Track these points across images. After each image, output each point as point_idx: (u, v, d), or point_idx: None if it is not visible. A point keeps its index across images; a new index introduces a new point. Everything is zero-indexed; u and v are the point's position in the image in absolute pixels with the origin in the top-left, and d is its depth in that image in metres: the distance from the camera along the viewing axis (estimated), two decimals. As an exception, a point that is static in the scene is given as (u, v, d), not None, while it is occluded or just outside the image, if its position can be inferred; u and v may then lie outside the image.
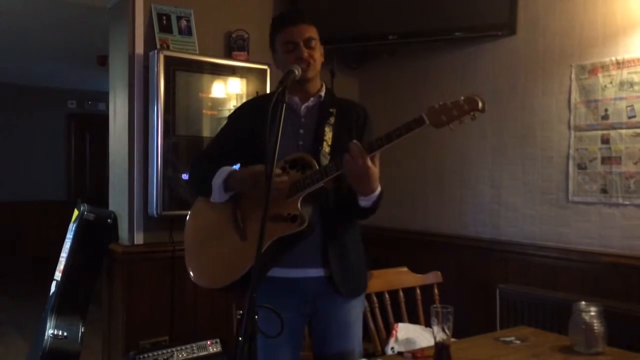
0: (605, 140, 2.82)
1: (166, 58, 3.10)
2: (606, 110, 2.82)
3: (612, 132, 2.80)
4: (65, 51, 5.64)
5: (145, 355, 2.90)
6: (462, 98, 1.59)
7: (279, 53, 1.93)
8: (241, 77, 3.36)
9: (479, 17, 3.29)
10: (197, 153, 2.19)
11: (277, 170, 1.69)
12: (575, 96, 2.95)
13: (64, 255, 3.24)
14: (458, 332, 1.79)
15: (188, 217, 2.02)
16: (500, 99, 3.29)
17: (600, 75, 2.85)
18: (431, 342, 1.74)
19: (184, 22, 3.29)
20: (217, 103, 3.31)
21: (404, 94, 3.86)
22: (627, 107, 2.75)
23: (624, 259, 2.73)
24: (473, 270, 3.38)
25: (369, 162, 1.66)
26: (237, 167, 2.00)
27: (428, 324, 2.15)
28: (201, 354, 3.05)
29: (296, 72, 1.77)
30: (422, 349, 1.91)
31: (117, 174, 3.36)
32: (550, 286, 2.98)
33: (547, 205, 3.07)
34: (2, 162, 7.28)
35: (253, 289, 1.38)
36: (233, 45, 3.45)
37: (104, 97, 5.55)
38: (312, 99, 1.95)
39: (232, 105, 3.34)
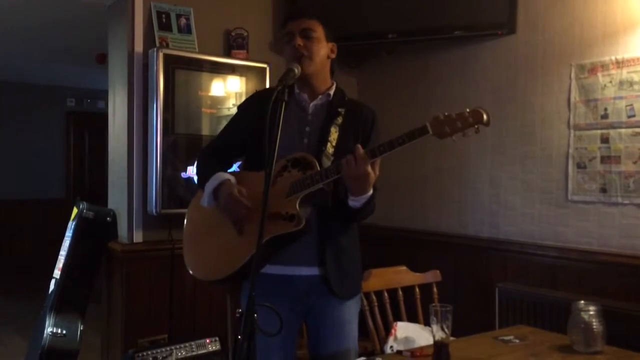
0: (605, 140, 2.82)
1: (165, 56, 3.10)
2: (606, 109, 2.82)
3: (612, 132, 2.80)
4: (64, 49, 5.63)
5: (144, 354, 2.90)
6: (468, 110, 1.60)
7: (283, 48, 1.94)
8: (240, 75, 3.36)
9: (478, 16, 3.28)
10: (206, 144, 2.20)
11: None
12: (574, 95, 2.95)
13: (63, 253, 3.24)
14: (457, 331, 1.79)
15: (189, 208, 2.05)
16: (500, 97, 3.29)
17: (599, 74, 2.85)
18: (430, 341, 1.74)
19: (183, 20, 3.29)
20: (217, 101, 3.30)
21: (403, 92, 3.86)
22: (626, 106, 2.75)
23: (623, 258, 2.73)
24: (472, 269, 3.38)
25: (369, 168, 1.68)
26: (236, 167, 2.02)
27: (427, 323, 2.15)
28: (200, 352, 3.05)
29: (295, 70, 1.78)
30: (421, 348, 1.91)
31: (116, 172, 3.36)
32: (549, 285, 2.98)
33: (546, 204, 3.07)
34: (1, 160, 7.27)
35: (252, 288, 1.38)
36: (232, 44, 3.45)
37: (103, 95, 5.54)
38: (320, 97, 1.95)
39: (231, 103, 3.34)
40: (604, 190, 2.83)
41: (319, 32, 1.90)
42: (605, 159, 2.82)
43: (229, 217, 1.83)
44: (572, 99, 2.96)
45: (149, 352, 2.92)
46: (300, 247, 1.81)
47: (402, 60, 3.86)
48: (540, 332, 2.15)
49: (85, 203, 3.28)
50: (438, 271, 2.80)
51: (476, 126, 1.60)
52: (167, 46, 3.18)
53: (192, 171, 3.18)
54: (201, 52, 3.29)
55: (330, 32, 1.95)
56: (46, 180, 7.59)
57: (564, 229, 2.99)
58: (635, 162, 2.72)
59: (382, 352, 2.48)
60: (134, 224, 3.18)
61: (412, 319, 2.69)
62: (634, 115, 2.72)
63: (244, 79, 3.37)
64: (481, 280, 3.30)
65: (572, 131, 2.96)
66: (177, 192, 3.14)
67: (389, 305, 2.65)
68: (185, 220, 2.05)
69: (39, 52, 5.85)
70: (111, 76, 3.46)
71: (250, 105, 2.05)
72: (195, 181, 2.10)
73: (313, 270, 1.88)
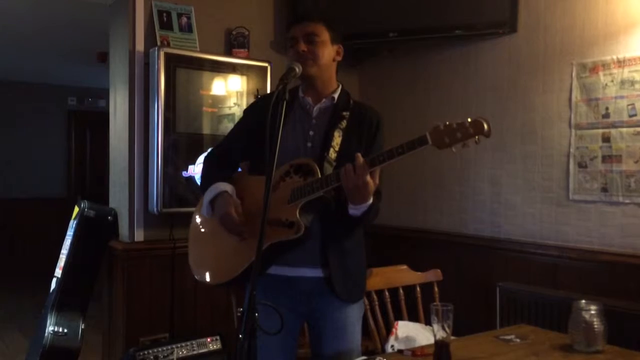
0: (606, 139, 2.82)
1: (166, 55, 3.10)
2: (607, 108, 2.82)
3: (613, 131, 2.79)
4: (65, 48, 5.63)
5: (145, 352, 2.91)
6: (469, 120, 1.58)
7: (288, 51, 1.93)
8: (241, 74, 3.36)
9: (479, 15, 3.28)
10: (213, 147, 2.21)
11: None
12: (576, 94, 2.95)
13: (64, 252, 3.24)
14: (458, 330, 1.79)
15: (194, 212, 2.06)
16: (501, 97, 3.29)
17: (601, 73, 2.84)
18: (431, 340, 1.74)
19: (184, 19, 3.29)
20: (218, 100, 3.31)
21: (403, 91, 3.86)
22: (628, 105, 2.75)
23: (624, 258, 2.73)
24: (473, 268, 3.38)
25: (368, 178, 1.66)
26: (240, 168, 2.03)
27: (428, 322, 2.15)
28: (201, 351, 3.05)
29: (296, 69, 1.77)
30: (422, 347, 1.91)
31: (118, 171, 3.36)
32: (550, 284, 2.98)
33: (547, 203, 3.07)
34: (2, 159, 7.28)
35: (253, 286, 1.38)
36: (233, 43, 3.45)
37: (104, 94, 5.54)
38: (324, 100, 1.93)
39: (232, 102, 3.34)
40: (605, 189, 2.83)
41: (324, 35, 1.88)
42: (606, 158, 2.82)
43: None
44: (574, 98, 2.95)
45: (150, 351, 2.92)
46: (303, 249, 1.81)
47: (403, 59, 3.86)
48: (541, 332, 2.15)
49: (86, 202, 3.28)
50: (439, 270, 2.80)
51: (477, 137, 1.57)
52: (168, 45, 3.18)
53: (193, 170, 3.18)
54: (202, 51, 3.29)
55: (336, 34, 1.92)
56: (47, 179, 7.60)
57: (565, 228, 2.98)
58: (636, 162, 2.72)
59: (383, 351, 2.48)
60: (135, 223, 3.18)
61: (413, 318, 2.69)
62: (635, 115, 2.72)
63: (245, 77, 3.37)
64: (482, 279, 3.30)
65: (573, 130, 2.96)
66: (178, 191, 3.14)
67: (390, 304, 2.65)
68: (191, 223, 2.06)
69: (40, 51, 5.85)
70: (112, 75, 3.47)
71: (255, 109, 2.05)
72: (199, 184, 2.12)
73: (316, 272, 1.88)
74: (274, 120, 1.52)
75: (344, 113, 1.91)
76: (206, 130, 3.25)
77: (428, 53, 3.69)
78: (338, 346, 1.92)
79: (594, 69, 2.87)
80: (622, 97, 2.76)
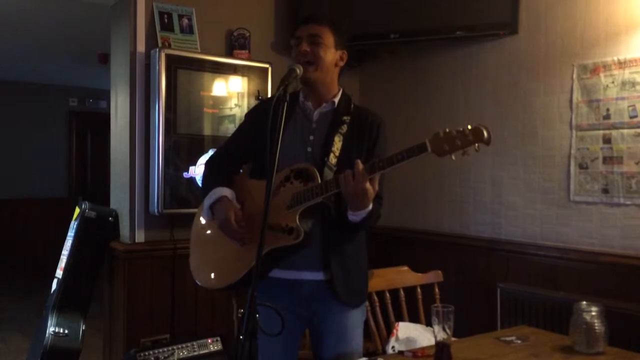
0: (607, 140, 2.82)
1: (168, 56, 3.10)
2: (608, 110, 2.82)
3: (614, 132, 2.79)
4: (66, 49, 5.64)
5: (146, 353, 2.91)
6: (469, 127, 1.57)
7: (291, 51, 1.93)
8: (242, 75, 3.36)
9: (480, 17, 3.28)
10: (215, 151, 2.21)
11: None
12: (577, 96, 2.95)
13: (65, 252, 3.24)
14: (459, 332, 1.79)
15: (196, 215, 2.06)
16: (502, 98, 3.29)
17: (602, 74, 2.84)
18: (432, 341, 1.74)
19: (185, 21, 3.29)
20: (219, 101, 3.31)
21: (404, 93, 3.86)
22: (628, 106, 2.75)
23: (624, 259, 2.73)
24: (474, 269, 3.38)
25: (367, 185, 1.66)
26: (241, 169, 2.03)
27: (429, 323, 2.15)
28: (202, 352, 3.05)
29: (297, 70, 1.76)
30: (423, 348, 1.91)
31: (118, 171, 3.36)
32: (551, 286, 2.98)
33: (548, 204, 3.07)
34: (3, 159, 7.28)
35: (254, 288, 1.38)
36: (234, 44, 3.45)
37: (105, 94, 5.55)
38: (325, 104, 1.92)
39: (233, 103, 3.34)
40: (605, 190, 2.83)
41: (328, 39, 1.87)
42: (607, 160, 2.82)
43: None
44: (574, 100, 2.95)
45: (151, 352, 2.92)
46: (305, 253, 1.81)
47: (403, 60, 3.86)
48: (541, 333, 2.15)
49: (87, 203, 3.28)
50: (440, 271, 2.80)
51: (476, 145, 1.57)
52: (169, 46, 3.18)
53: (194, 171, 3.18)
54: (203, 52, 3.29)
55: (341, 39, 1.91)
56: (48, 179, 7.61)
57: (566, 229, 2.98)
58: (637, 163, 2.72)
59: (384, 352, 2.48)
60: (136, 224, 3.18)
61: (414, 319, 2.69)
62: (636, 116, 2.72)
63: (245, 79, 3.37)
64: (483, 281, 3.30)
65: (574, 131, 2.96)
66: (179, 192, 3.14)
67: (391, 305, 2.65)
68: (192, 227, 2.06)
69: (42, 52, 5.86)
70: (113, 76, 3.47)
71: (256, 113, 2.05)
72: (201, 187, 2.12)
73: (318, 276, 1.88)
74: (275, 123, 1.51)
75: (345, 118, 1.90)
76: (207, 131, 3.25)
77: (429, 54, 3.69)
78: (339, 350, 1.92)
79: (595, 70, 2.87)
80: (623, 98, 2.76)
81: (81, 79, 7.28)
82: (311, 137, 1.90)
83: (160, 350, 2.95)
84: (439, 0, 3.40)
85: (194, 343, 3.05)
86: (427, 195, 3.72)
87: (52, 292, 3.24)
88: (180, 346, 3.00)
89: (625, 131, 2.75)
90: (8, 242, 7.16)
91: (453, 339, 1.70)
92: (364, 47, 3.66)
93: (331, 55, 1.88)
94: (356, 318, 1.97)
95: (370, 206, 1.73)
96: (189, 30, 3.30)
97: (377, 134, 1.92)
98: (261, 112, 1.93)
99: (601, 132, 2.84)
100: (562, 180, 3.01)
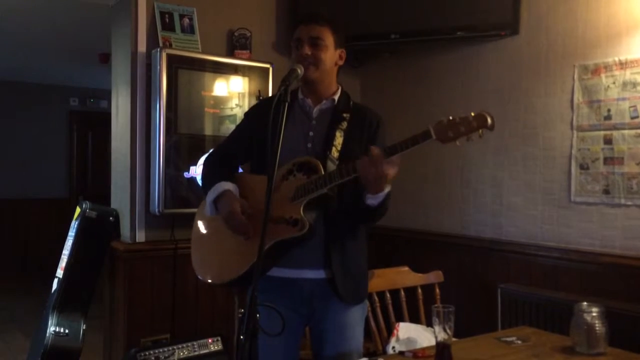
0: (608, 141, 2.82)
1: (169, 56, 3.10)
2: (609, 110, 2.82)
3: (615, 133, 2.79)
4: (67, 49, 5.65)
5: (147, 353, 2.91)
6: (472, 114, 1.59)
7: (291, 51, 1.95)
8: (243, 75, 3.36)
9: (481, 17, 3.28)
10: (213, 149, 2.21)
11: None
12: (577, 96, 2.94)
13: (65, 252, 3.24)
14: (459, 332, 1.79)
15: (197, 212, 2.06)
16: (503, 98, 3.29)
17: (603, 75, 2.84)
18: (432, 342, 1.74)
19: (186, 20, 3.29)
20: (219, 101, 3.31)
21: (405, 93, 3.86)
22: (630, 107, 2.75)
23: (625, 260, 2.72)
24: (474, 269, 3.38)
25: (386, 167, 1.68)
26: (240, 170, 2.03)
27: (429, 324, 2.15)
28: (202, 351, 3.05)
29: (298, 70, 1.78)
30: (423, 349, 1.91)
31: (119, 171, 3.36)
32: (551, 286, 2.98)
33: (548, 205, 3.07)
34: (4, 159, 7.29)
35: (255, 288, 1.39)
36: (235, 44, 3.45)
37: (106, 94, 5.57)
38: (325, 101, 1.95)
39: (234, 103, 3.34)
40: (606, 191, 2.82)
41: (328, 39, 1.89)
42: (608, 160, 2.82)
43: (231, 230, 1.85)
44: (575, 100, 2.95)
45: (151, 352, 2.92)
46: (305, 250, 1.81)
47: (404, 60, 3.86)
48: (542, 333, 2.15)
49: (88, 202, 3.28)
50: (440, 272, 2.80)
51: (480, 130, 1.59)
52: (170, 46, 3.18)
53: (194, 171, 3.18)
54: (204, 52, 3.29)
55: (340, 38, 1.93)
56: (49, 179, 7.61)
57: (567, 230, 2.98)
58: (638, 164, 2.71)
59: (384, 352, 2.48)
60: (137, 224, 3.18)
61: (414, 319, 2.69)
62: (637, 117, 2.72)
63: (246, 79, 3.37)
64: (483, 281, 3.30)
65: (575, 132, 2.95)
66: (179, 192, 3.14)
67: (391, 305, 2.65)
68: (193, 223, 2.06)
69: (42, 52, 5.87)
70: (114, 76, 3.47)
71: (256, 111, 2.06)
72: (201, 184, 2.12)
73: (319, 274, 1.88)
74: (276, 121, 1.52)
75: (345, 115, 1.93)
76: (208, 131, 3.25)
77: (430, 55, 3.69)
78: (339, 348, 1.92)
79: (596, 70, 2.87)
80: (624, 99, 2.76)
81: (82, 79, 7.29)
82: (311, 133, 1.92)
83: (161, 350, 2.95)
84: (440, 1, 3.41)
85: (194, 343, 3.05)
86: (428, 196, 3.72)
87: (52, 291, 3.24)
88: (180, 346, 3.00)
89: (626, 132, 2.75)
90: (8, 242, 7.17)
91: (453, 339, 1.70)
92: (364, 48, 3.67)
93: (331, 55, 1.91)
94: (357, 315, 1.98)
95: (388, 188, 1.75)
96: (190, 30, 3.30)
97: (376, 130, 1.95)
98: (262, 111, 1.93)
99: (602, 132, 2.84)
100: (562, 180, 3.01)
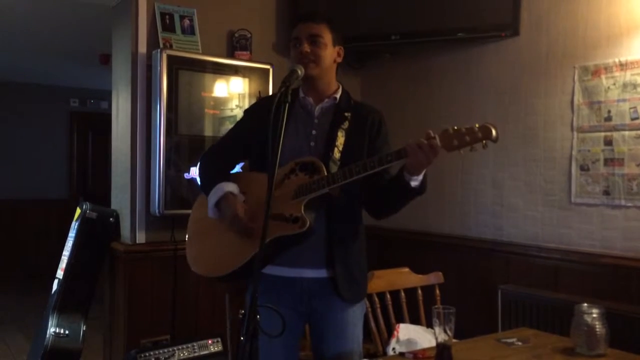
0: (608, 142, 2.82)
1: (169, 57, 3.10)
2: (609, 111, 2.82)
3: (615, 134, 2.79)
4: (67, 49, 5.64)
5: (147, 354, 2.91)
6: (477, 125, 1.61)
7: (290, 50, 1.95)
8: (244, 76, 3.36)
9: (482, 18, 3.28)
10: (210, 146, 2.21)
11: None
12: (578, 97, 2.94)
13: (66, 253, 3.24)
14: (459, 333, 1.79)
15: (193, 208, 2.07)
16: (503, 99, 3.29)
17: (603, 76, 2.84)
18: (432, 343, 1.74)
19: (187, 22, 3.29)
20: (220, 102, 3.31)
21: (406, 94, 3.86)
22: (630, 108, 2.75)
23: (626, 261, 2.72)
24: (474, 271, 3.38)
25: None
26: (239, 168, 2.02)
27: (429, 325, 2.15)
28: (202, 352, 3.05)
29: (299, 71, 1.79)
30: (424, 350, 1.91)
31: (120, 172, 3.36)
32: (552, 287, 2.98)
33: (549, 206, 3.07)
34: (4, 160, 7.29)
35: (255, 288, 1.39)
36: (236, 45, 3.45)
37: (106, 95, 5.56)
38: (326, 100, 1.96)
39: (234, 104, 3.34)
40: (607, 192, 2.82)
41: (327, 37, 1.90)
42: (608, 162, 2.82)
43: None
44: (576, 101, 2.95)
45: (151, 353, 2.92)
46: (306, 250, 1.82)
47: (405, 61, 3.86)
48: (543, 335, 2.15)
49: (88, 203, 3.28)
50: (440, 273, 2.80)
51: (484, 142, 1.61)
52: (171, 47, 3.18)
53: (195, 172, 3.18)
54: (204, 53, 3.30)
55: (338, 36, 1.95)
56: (49, 180, 7.60)
57: (567, 231, 2.98)
58: (638, 165, 2.71)
59: (385, 353, 2.48)
60: (137, 225, 3.18)
61: (415, 320, 2.69)
62: (637, 118, 2.72)
63: (247, 80, 3.37)
64: (484, 282, 3.30)
65: (575, 133, 2.95)
66: (180, 193, 3.14)
67: (392, 306, 2.65)
68: (189, 220, 2.06)
69: (43, 53, 5.86)
70: (115, 77, 3.47)
71: (256, 109, 2.07)
72: (199, 183, 2.11)
73: (320, 273, 1.89)
74: (277, 121, 1.53)
75: (346, 114, 1.94)
76: (208, 132, 3.25)
77: (430, 56, 3.69)
78: (339, 347, 1.93)
79: (596, 72, 2.87)
80: (624, 100, 2.76)
81: (82, 80, 7.29)
82: (313, 132, 1.92)
83: (161, 351, 2.95)
84: (440, 2, 3.41)
85: (194, 344, 3.05)
86: (428, 197, 3.67)
87: (52, 292, 3.24)
88: (180, 347, 3.00)
89: (626, 133, 2.75)
90: (9, 243, 7.16)
91: (454, 340, 1.70)
92: (365, 48, 3.67)
93: (330, 53, 1.92)
94: (356, 314, 1.98)
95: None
96: (191, 31, 3.30)
97: (378, 128, 1.97)
98: (262, 109, 1.94)
99: (602, 134, 2.84)
100: (563, 182, 3.01)
